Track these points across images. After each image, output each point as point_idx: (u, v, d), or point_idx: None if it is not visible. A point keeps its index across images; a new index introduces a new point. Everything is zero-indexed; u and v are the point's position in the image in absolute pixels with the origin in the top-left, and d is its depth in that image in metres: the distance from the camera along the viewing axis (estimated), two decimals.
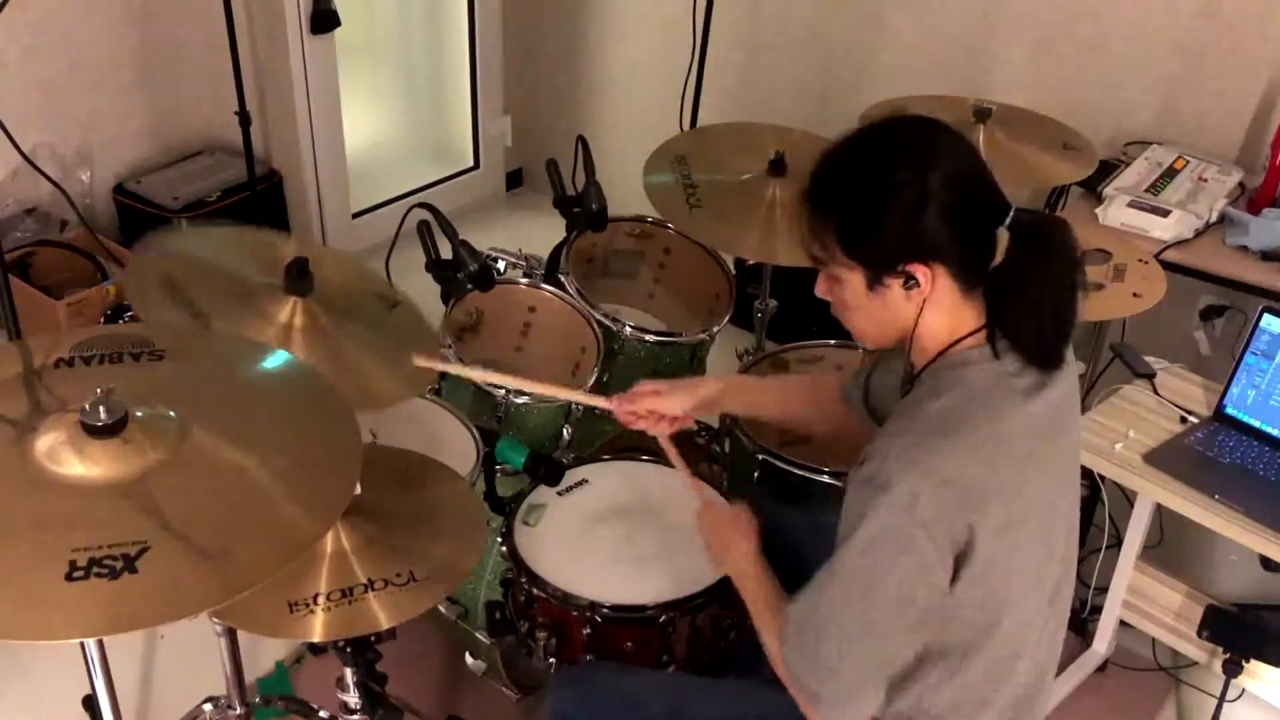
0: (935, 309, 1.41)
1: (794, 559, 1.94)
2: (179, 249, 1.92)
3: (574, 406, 2.38)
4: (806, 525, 2.01)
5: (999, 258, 1.38)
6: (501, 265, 2.62)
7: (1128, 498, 2.38)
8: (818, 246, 1.44)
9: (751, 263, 3.19)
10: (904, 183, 1.35)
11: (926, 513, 1.32)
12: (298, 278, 1.80)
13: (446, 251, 2.22)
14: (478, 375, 2.06)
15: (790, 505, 2.10)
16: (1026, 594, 1.45)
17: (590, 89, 4.12)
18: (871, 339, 1.49)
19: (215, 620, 1.79)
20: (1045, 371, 1.41)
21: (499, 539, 1.98)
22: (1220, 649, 2.22)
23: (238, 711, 2.00)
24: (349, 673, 1.76)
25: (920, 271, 1.37)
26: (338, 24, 3.53)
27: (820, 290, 1.49)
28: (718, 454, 2.49)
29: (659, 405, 1.84)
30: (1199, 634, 2.25)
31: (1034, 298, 1.38)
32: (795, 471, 2.16)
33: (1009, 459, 1.37)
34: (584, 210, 2.52)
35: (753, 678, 1.61)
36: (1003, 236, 1.38)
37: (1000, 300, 1.41)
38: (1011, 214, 1.37)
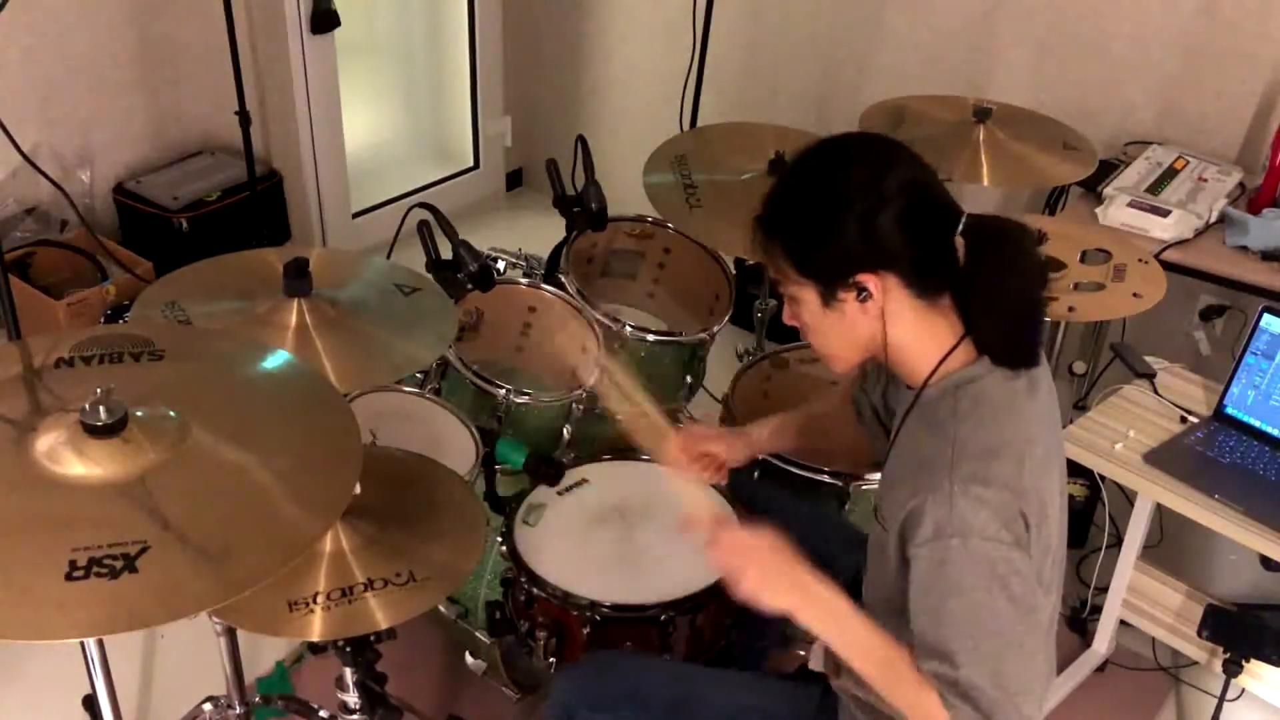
0: (899, 322, 1.41)
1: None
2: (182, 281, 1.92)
3: (574, 406, 2.38)
4: (815, 517, 2.02)
5: (961, 265, 1.38)
6: (501, 265, 2.63)
7: (1128, 498, 2.38)
8: (773, 269, 1.45)
9: (751, 263, 3.19)
10: (846, 193, 1.37)
11: (1010, 531, 1.33)
12: (296, 278, 1.80)
13: (446, 251, 2.22)
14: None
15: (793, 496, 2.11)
16: (1051, 583, 1.46)
17: (590, 89, 4.12)
18: (839, 359, 1.49)
19: (215, 620, 1.79)
20: (1028, 369, 1.42)
21: (499, 539, 1.98)
22: (1220, 649, 2.22)
23: (237, 711, 2.01)
24: (349, 672, 1.76)
25: (871, 281, 1.37)
26: (338, 24, 3.52)
27: (787, 316, 1.50)
28: None
29: (719, 449, 1.83)
30: (1199, 634, 2.25)
31: (998, 302, 1.39)
32: (796, 471, 2.16)
33: (1035, 458, 1.38)
34: (584, 210, 2.52)
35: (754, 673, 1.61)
36: (959, 244, 1.38)
37: (967, 308, 1.41)
38: (964, 220, 1.38)
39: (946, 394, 1.42)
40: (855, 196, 1.36)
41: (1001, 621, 1.35)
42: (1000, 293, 1.39)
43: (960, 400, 1.40)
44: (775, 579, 1.43)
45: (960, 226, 1.38)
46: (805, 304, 1.44)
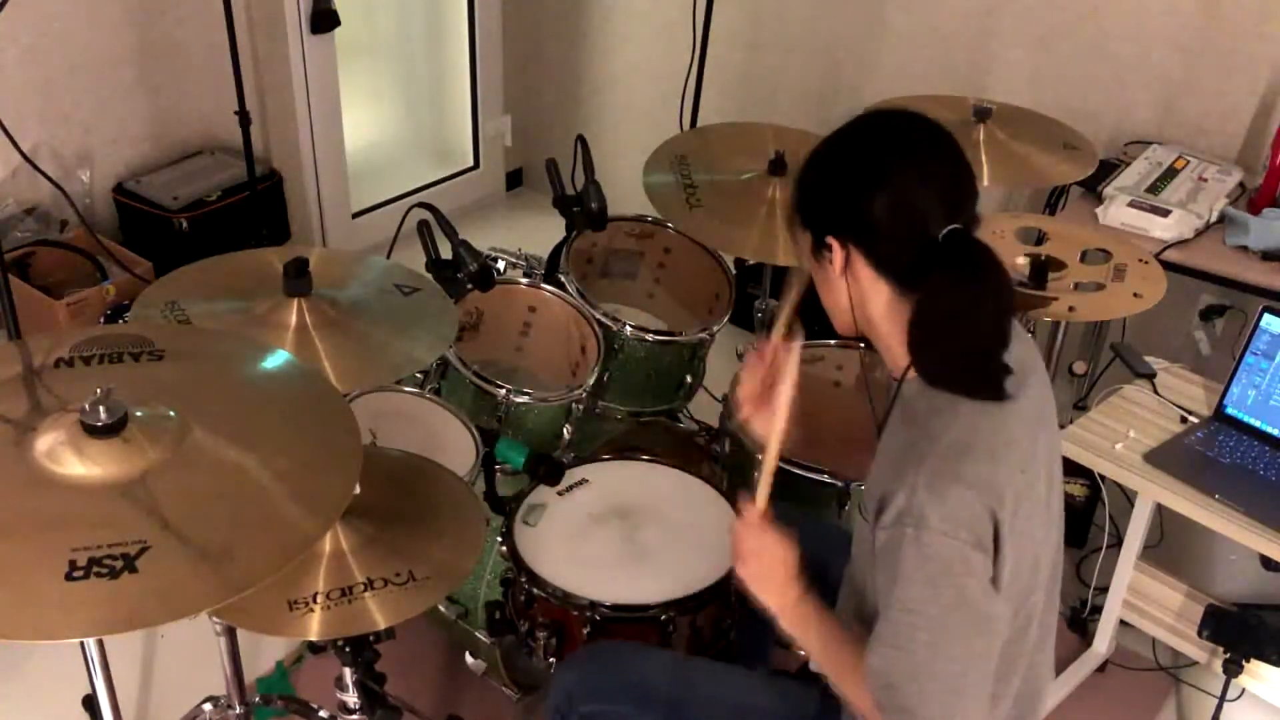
0: (870, 300, 1.42)
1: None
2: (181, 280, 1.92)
3: (574, 406, 2.38)
4: (812, 524, 2.01)
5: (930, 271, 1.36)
6: (501, 265, 2.63)
7: (1128, 498, 2.38)
8: (791, 211, 1.49)
9: (751, 263, 3.19)
10: (858, 158, 1.40)
11: (971, 529, 1.32)
12: (296, 278, 1.80)
13: (446, 251, 2.23)
14: None
15: (794, 505, 2.10)
16: (1037, 582, 1.45)
17: (590, 89, 4.12)
18: (832, 316, 1.51)
19: (215, 620, 1.79)
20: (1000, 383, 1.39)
21: (499, 539, 1.98)
22: (1220, 649, 2.22)
23: (237, 711, 2.01)
24: (348, 672, 1.76)
25: (835, 244, 1.40)
26: (338, 24, 3.53)
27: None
28: (718, 454, 2.49)
29: (781, 394, 1.67)
30: (1199, 634, 2.25)
31: (936, 320, 1.37)
32: (796, 472, 2.16)
33: (1016, 456, 1.38)
34: (584, 210, 2.52)
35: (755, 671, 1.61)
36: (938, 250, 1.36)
37: (924, 322, 1.38)
38: (946, 230, 1.35)
39: (926, 388, 1.41)
40: (865, 166, 1.39)
41: (943, 617, 1.34)
42: (957, 314, 1.36)
43: (937, 395, 1.40)
44: (768, 581, 1.54)
45: (942, 234, 1.35)
46: (803, 250, 1.48)
